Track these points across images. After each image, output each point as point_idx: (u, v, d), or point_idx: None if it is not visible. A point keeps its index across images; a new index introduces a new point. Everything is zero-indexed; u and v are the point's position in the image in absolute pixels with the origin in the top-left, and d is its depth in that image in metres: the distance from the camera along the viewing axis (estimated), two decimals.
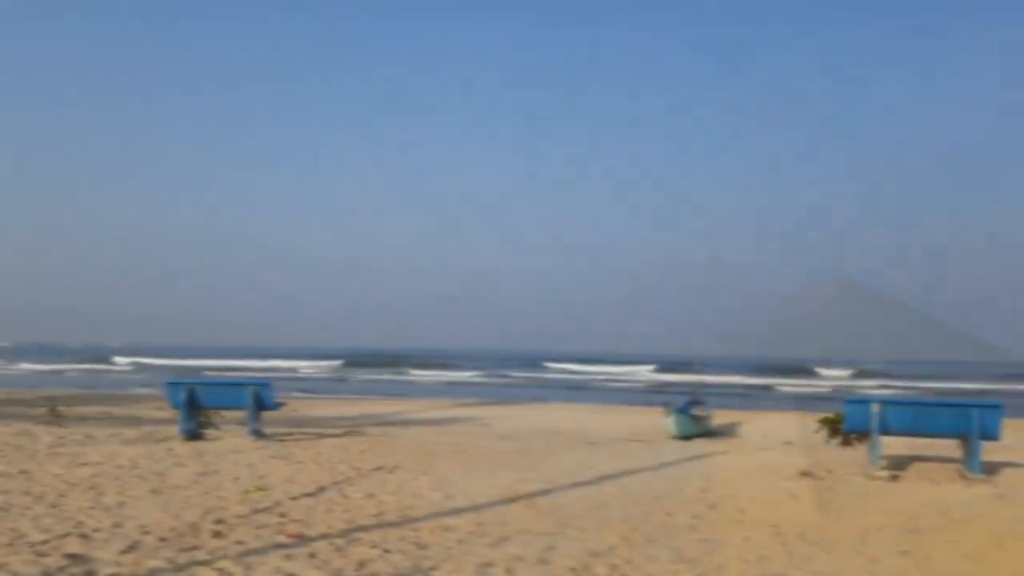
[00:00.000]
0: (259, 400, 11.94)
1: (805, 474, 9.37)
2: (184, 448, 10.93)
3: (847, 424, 10.49)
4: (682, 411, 18.23)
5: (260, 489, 7.73)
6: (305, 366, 62.71)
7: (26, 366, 58.83)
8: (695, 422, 18.50)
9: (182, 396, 11.86)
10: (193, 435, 11.89)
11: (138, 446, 11.11)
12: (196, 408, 12.03)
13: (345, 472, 9.13)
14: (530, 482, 8.82)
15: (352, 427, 15.06)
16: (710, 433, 19.21)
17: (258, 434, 11.93)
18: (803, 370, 58.87)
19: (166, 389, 12.30)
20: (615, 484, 8.90)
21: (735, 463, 11.01)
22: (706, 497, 8.17)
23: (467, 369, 62.19)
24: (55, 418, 15.20)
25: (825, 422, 11.54)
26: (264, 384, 12.11)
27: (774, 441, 16.63)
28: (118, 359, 70.13)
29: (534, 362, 73.39)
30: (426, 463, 10.01)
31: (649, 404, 31.28)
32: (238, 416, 12.52)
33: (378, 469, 9.33)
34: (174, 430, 12.36)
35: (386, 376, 54.52)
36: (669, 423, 18.07)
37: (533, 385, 46.49)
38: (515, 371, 60.81)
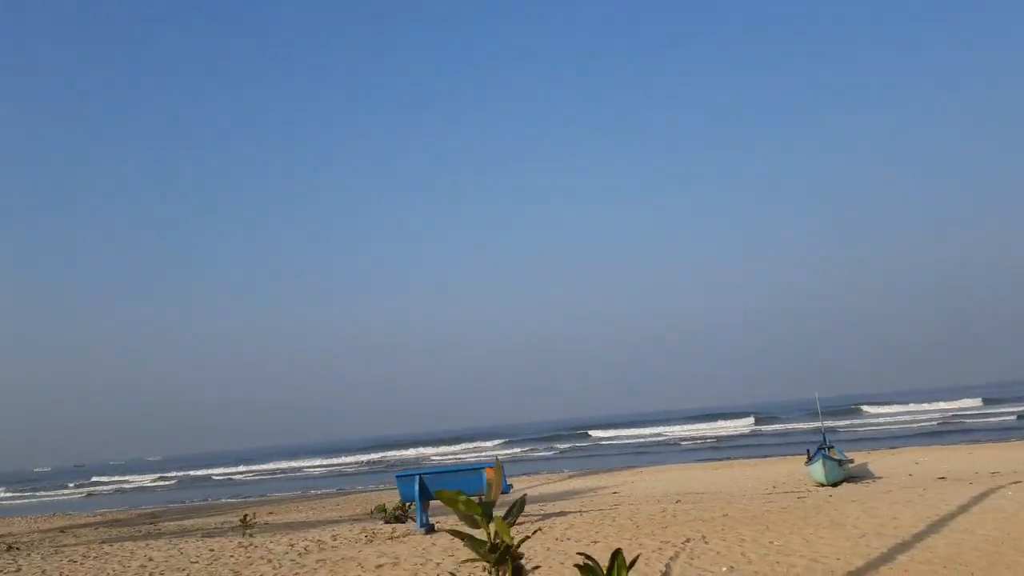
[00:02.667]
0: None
1: None
2: (442, 544, 10.49)
3: None
4: (828, 458, 17.64)
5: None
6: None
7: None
8: (840, 467, 17.90)
9: (415, 488, 11.48)
10: (430, 528, 11.46)
11: (394, 546, 10.68)
12: (426, 499, 11.63)
13: (657, 544, 8.66)
14: (869, 541, 8.25)
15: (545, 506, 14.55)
16: (853, 477, 18.54)
17: None
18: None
19: (398, 482, 11.90)
20: (950, 531, 8.35)
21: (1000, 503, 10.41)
22: None
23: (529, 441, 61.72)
24: (246, 527, 14.84)
25: None
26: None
27: (926, 478, 16.09)
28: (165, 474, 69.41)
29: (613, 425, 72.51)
30: (719, 530, 9.48)
31: (762, 455, 30.73)
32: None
33: (687, 541, 8.82)
34: (387, 527, 11.95)
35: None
36: (815, 470, 17.37)
37: (633, 450, 45.69)
38: (603, 437, 60.18)
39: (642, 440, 54.51)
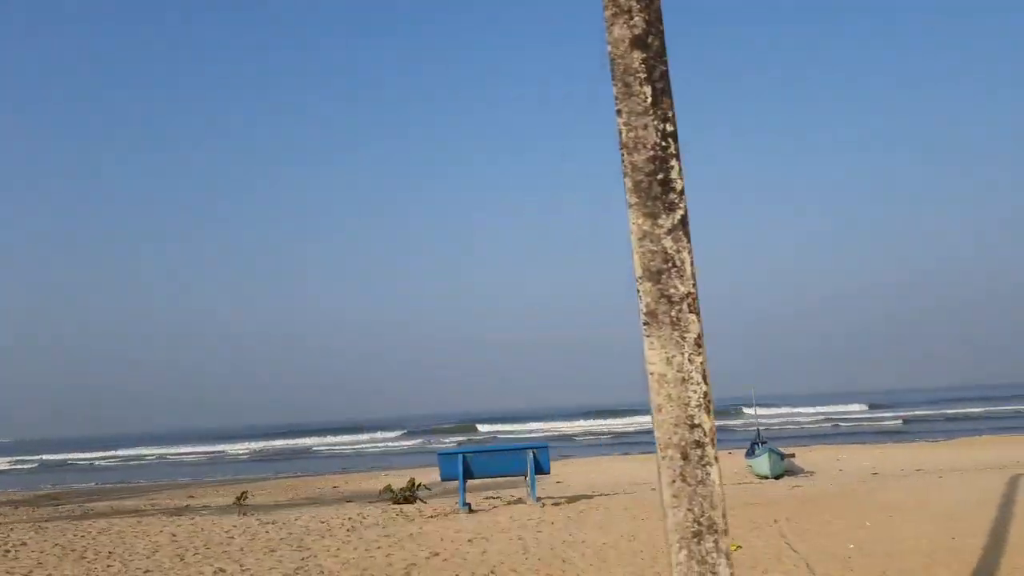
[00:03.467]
0: (538, 464, 11.84)
1: None
2: (489, 521, 10.72)
3: None
4: (774, 451, 18.75)
5: (738, 547, 7.82)
6: None
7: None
8: (783, 461, 19.03)
9: (459, 467, 11.64)
10: (470, 507, 11.64)
11: (438, 522, 10.80)
12: (468, 478, 11.81)
13: (746, 525, 9.28)
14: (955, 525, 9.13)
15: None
16: (790, 471, 19.85)
17: (539, 499, 11.81)
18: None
19: (440, 460, 11.98)
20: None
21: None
22: None
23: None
24: (241, 507, 14.45)
25: None
26: (544, 447, 12.00)
27: (861, 472, 17.69)
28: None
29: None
30: (804, 514, 10.13)
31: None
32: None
33: (775, 522, 9.40)
34: (409, 506, 12.05)
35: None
36: (761, 463, 18.50)
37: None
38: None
39: (539, 435, 55.61)
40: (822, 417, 50.77)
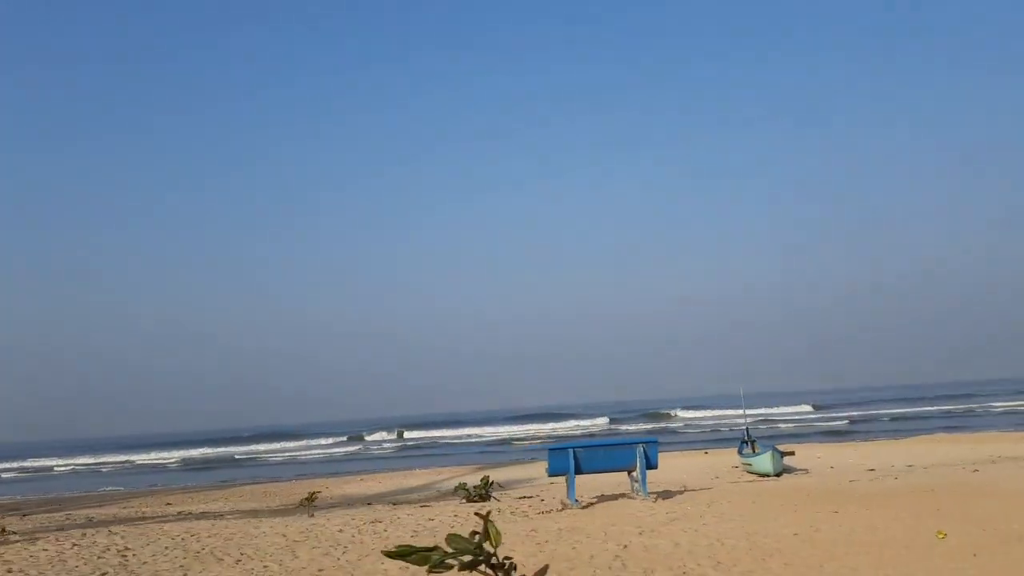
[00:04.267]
0: (647, 459, 11.81)
1: None
2: (625, 515, 10.64)
3: None
4: (776, 449, 19.48)
5: (943, 534, 8.03)
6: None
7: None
8: (782, 459, 19.76)
9: (570, 462, 11.50)
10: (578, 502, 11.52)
11: (571, 517, 10.62)
12: (577, 473, 11.67)
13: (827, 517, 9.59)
14: None
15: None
16: (788, 469, 20.66)
17: (650, 494, 11.78)
18: None
19: (550, 456, 11.74)
20: None
21: None
22: None
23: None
24: (310, 505, 13.79)
25: None
26: (654, 442, 11.95)
27: (856, 469, 18.63)
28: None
29: None
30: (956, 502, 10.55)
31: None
32: None
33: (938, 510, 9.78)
34: (505, 504, 11.77)
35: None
36: (763, 461, 19.16)
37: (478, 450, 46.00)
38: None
39: (476, 440, 55.38)
40: (757, 418, 52.86)
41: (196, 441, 69.09)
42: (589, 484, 14.61)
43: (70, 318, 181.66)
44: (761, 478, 17.99)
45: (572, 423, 62.24)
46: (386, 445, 55.29)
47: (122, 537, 10.40)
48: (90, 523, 13.63)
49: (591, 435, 52.20)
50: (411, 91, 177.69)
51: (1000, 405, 53.73)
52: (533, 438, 52.20)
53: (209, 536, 10.42)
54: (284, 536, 10.07)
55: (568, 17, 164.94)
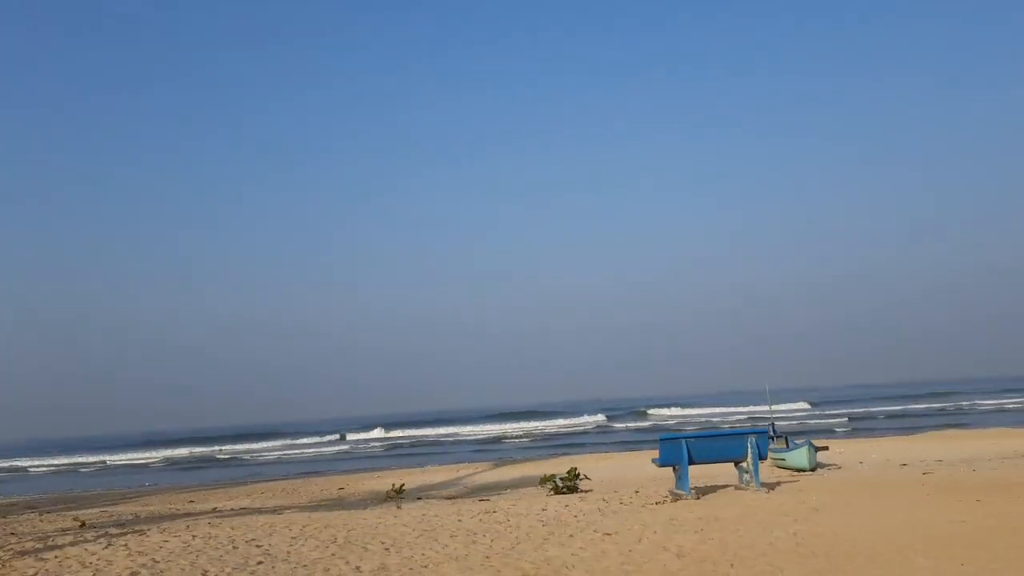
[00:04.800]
0: (759, 450, 11.44)
1: None
2: (733, 505, 10.26)
3: None
4: (811, 444, 19.41)
5: None
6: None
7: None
8: (816, 454, 19.70)
9: (684, 452, 11.09)
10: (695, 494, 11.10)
11: (662, 510, 10.21)
12: (689, 464, 11.25)
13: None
14: None
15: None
16: (821, 464, 20.61)
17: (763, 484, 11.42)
18: None
19: (661, 446, 11.34)
20: None
21: None
22: None
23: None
24: (398, 497, 13.40)
25: None
26: (764, 433, 11.62)
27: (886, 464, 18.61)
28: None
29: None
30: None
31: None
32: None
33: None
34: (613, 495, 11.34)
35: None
36: (798, 456, 19.09)
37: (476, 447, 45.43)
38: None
39: (457, 438, 54.78)
40: (779, 415, 53.08)
41: (169, 441, 67.30)
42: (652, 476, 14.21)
43: (35, 320, 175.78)
44: (796, 473, 17.84)
45: (560, 421, 61.85)
46: (373, 444, 54.36)
47: (233, 528, 9.74)
48: (154, 518, 12.84)
49: (584, 432, 51.89)
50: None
51: (988, 403, 54.76)
52: (526, 436, 51.75)
53: (319, 527, 9.78)
54: (410, 527, 9.51)
55: None
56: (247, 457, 48.76)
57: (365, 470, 30.22)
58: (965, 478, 12.26)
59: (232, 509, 15.77)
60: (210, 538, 8.95)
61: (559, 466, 21.75)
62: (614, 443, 39.50)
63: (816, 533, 8.00)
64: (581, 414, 64.69)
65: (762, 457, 11.59)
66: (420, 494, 17.12)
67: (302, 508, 14.74)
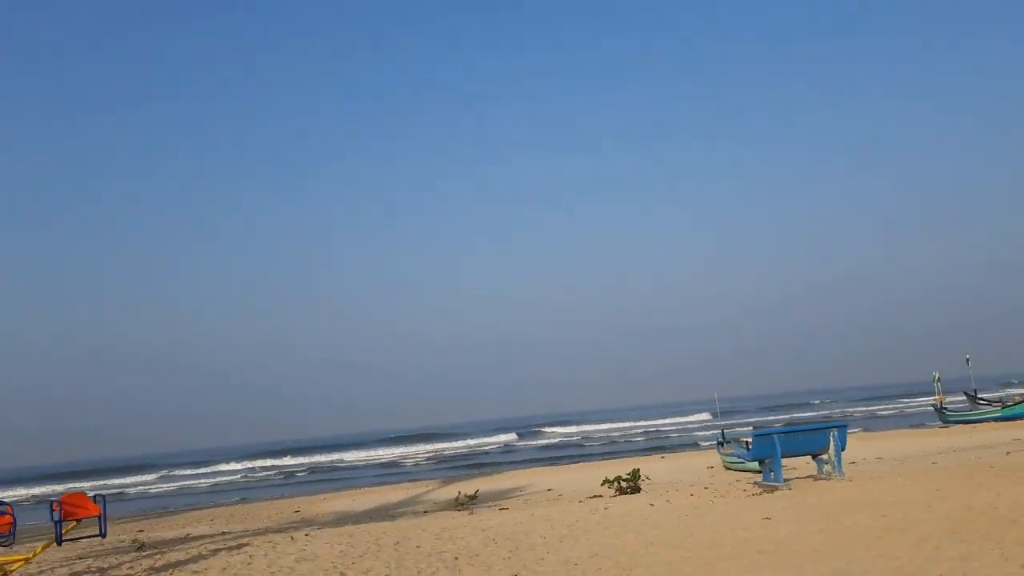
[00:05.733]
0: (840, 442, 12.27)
1: None
2: (823, 492, 10.92)
3: None
4: None
5: None
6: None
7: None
8: None
9: (776, 446, 11.75)
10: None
11: (778, 500, 10.75)
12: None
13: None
14: None
15: None
16: None
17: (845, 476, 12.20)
18: None
19: (755, 440, 11.93)
20: None
21: None
22: None
23: None
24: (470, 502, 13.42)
25: None
26: (844, 427, 12.46)
27: (905, 459, 19.73)
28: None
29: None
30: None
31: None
32: None
33: None
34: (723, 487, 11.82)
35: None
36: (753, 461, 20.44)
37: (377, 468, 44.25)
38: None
39: (377, 462, 53.52)
40: (686, 426, 54.83)
41: (47, 476, 61.64)
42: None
43: None
44: (755, 476, 18.94)
45: (463, 442, 61.12)
46: (288, 469, 52.13)
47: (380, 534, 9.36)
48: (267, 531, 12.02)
49: (486, 453, 51.37)
50: None
51: (914, 406, 57.04)
52: (432, 458, 50.33)
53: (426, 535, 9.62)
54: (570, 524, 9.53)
55: None
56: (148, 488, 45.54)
57: (315, 493, 29.05)
58: (961, 463, 13.52)
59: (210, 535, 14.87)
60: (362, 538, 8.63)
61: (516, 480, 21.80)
62: (590, 455, 39.67)
63: (926, 509, 8.79)
64: (479, 436, 64.84)
65: (843, 449, 12.50)
66: (388, 513, 16.64)
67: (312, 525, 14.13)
